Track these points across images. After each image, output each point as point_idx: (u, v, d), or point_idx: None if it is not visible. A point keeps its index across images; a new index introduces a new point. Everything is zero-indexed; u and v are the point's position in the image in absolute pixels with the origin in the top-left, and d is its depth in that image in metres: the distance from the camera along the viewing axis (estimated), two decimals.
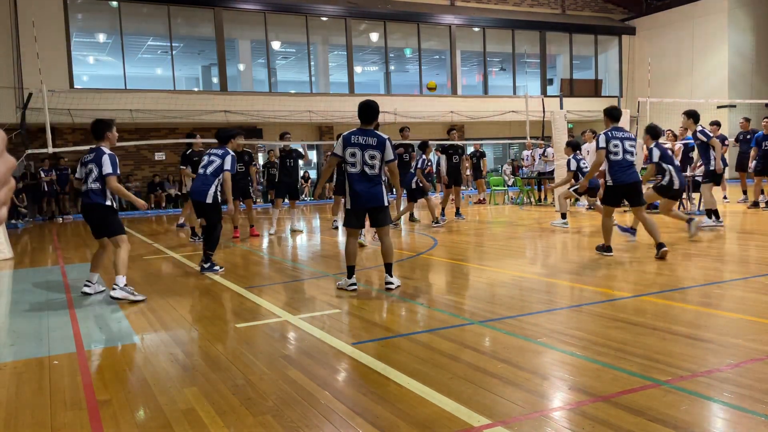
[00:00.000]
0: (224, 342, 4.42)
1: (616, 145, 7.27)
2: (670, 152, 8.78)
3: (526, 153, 18.24)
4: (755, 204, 12.39)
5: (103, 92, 17.28)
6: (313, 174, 24.47)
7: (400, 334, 4.46)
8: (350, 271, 5.97)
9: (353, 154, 5.80)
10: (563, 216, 10.59)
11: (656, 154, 8.28)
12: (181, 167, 11.24)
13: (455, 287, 6.21)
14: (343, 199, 6.66)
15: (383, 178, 5.95)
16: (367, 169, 5.79)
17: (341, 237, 10.77)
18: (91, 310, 5.70)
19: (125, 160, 21.01)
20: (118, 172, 5.99)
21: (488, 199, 18.16)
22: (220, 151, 7.52)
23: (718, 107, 21.20)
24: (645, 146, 8.79)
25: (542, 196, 16.90)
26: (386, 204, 5.92)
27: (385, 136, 5.91)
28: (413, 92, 24.40)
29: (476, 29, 25.08)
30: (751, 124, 15.02)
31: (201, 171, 7.50)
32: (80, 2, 19.48)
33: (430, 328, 4.58)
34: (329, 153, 6.86)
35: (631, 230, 8.65)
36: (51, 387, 3.62)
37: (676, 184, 8.38)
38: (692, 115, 9.40)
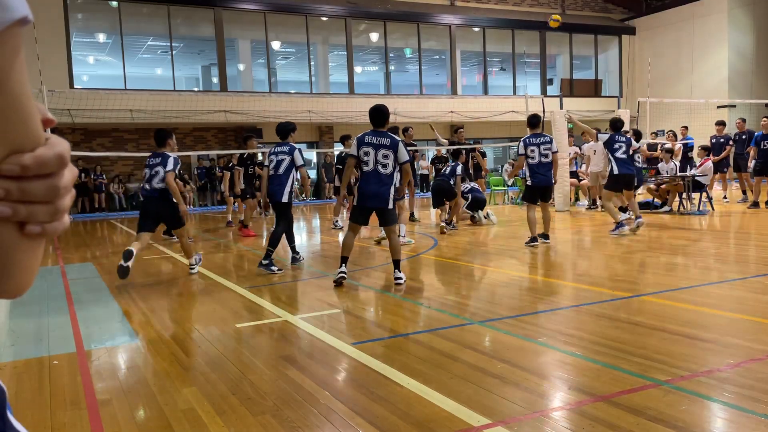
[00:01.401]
0: (224, 342, 4.42)
1: (533, 151, 8.31)
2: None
3: None
4: (755, 204, 12.39)
5: (103, 92, 17.27)
6: (312, 174, 24.45)
7: (400, 334, 4.46)
8: (342, 261, 6.19)
9: (367, 153, 6.07)
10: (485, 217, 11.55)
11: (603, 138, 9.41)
12: None
13: (455, 287, 6.21)
14: (345, 200, 6.75)
15: (394, 180, 6.13)
16: (380, 168, 6.03)
17: (341, 237, 10.75)
18: (91, 310, 5.70)
19: (125, 161, 21.00)
20: (177, 171, 6.93)
21: (488, 198, 18.14)
22: (286, 148, 7.38)
23: (718, 107, 21.21)
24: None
25: None
26: (391, 206, 6.12)
27: (398, 138, 6.17)
28: (413, 92, 24.40)
29: (476, 29, 25.07)
30: (751, 124, 15.02)
31: (272, 172, 7.38)
32: (80, 2, 19.48)
33: (430, 328, 4.58)
34: (343, 153, 7.05)
35: (619, 226, 8.97)
36: (51, 387, 3.62)
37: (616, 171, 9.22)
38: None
